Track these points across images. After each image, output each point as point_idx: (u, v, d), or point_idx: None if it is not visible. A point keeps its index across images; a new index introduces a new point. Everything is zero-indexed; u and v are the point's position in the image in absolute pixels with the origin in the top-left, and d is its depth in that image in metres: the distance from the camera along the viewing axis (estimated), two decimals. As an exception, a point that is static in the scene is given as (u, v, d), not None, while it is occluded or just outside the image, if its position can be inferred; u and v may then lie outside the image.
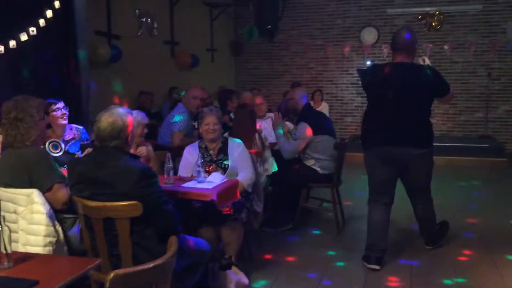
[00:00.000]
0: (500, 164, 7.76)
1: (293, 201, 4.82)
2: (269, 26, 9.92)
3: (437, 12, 9.18)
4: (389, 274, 3.68)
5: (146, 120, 3.67)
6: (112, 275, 1.59)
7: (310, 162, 4.71)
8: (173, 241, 1.95)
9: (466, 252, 4.10)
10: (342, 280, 3.58)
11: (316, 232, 4.68)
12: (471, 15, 9.11)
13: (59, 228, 2.57)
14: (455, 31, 9.20)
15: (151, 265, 1.72)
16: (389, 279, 3.59)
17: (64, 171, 2.77)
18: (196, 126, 5.64)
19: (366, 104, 4.07)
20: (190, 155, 3.72)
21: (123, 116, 2.47)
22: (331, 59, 10.02)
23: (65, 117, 3.87)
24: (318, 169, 4.67)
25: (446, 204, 5.44)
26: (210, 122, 3.67)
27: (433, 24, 9.24)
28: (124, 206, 2.32)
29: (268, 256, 4.01)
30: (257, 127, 4.57)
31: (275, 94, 10.00)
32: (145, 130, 3.66)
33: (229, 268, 3.17)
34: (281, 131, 4.79)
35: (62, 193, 2.58)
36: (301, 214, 4.73)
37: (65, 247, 2.60)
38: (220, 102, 6.64)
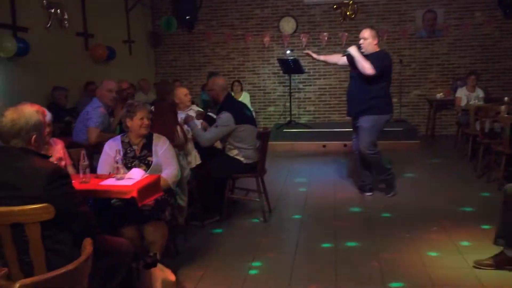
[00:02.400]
0: (414, 146, 8.20)
1: (218, 192, 4.79)
2: (187, 17, 9.76)
3: (351, 2, 9.48)
4: (315, 262, 3.76)
5: (48, 118, 3.42)
6: (18, 285, 1.46)
7: (233, 152, 4.69)
8: (87, 243, 1.84)
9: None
10: (271, 268, 3.60)
11: (243, 222, 4.68)
12: (382, 4, 9.50)
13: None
14: (368, 20, 9.55)
15: (62, 271, 1.60)
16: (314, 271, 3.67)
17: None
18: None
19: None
20: (111, 150, 3.55)
21: (27, 114, 2.29)
22: (251, 49, 10.05)
23: None
24: (242, 159, 4.66)
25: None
26: (144, 116, 3.53)
27: (348, 13, 9.54)
28: (34, 210, 2.15)
29: (195, 250, 3.95)
30: (177, 120, 4.45)
31: (196, 86, 9.88)
32: (49, 129, 3.41)
33: (154, 266, 3.07)
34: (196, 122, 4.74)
35: None
36: (227, 205, 4.71)
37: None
38: (159, 95, 6.34)
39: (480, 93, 7.82)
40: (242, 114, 4.73)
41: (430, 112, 9.49)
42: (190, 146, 4.46)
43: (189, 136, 4.52)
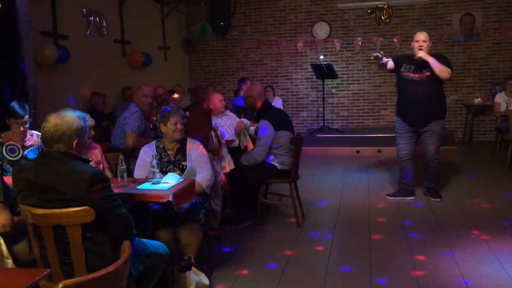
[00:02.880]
0: (451, 152, 8.00)
1: (252, 197, 4.81)
2: (221, 23, 9.87)
3: (386, 6, 9.38)
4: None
5: (91, 122, 3.55)
6: (60, 285, 1.51)
7: (269, 159, 4.70)
8: (126, 246, 1.88)
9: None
10: (304, 274, 3.59)
11: (277, 227, 4.68)
12: (418, 8, 9.36)
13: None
14: (403, 24, 9.43)
15: (103, 272, 1.65)
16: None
17: (8, 178, 2.64)
18: (151, 127, 5.54)
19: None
20: (147, 156, 3.63)
21: (70, 119, 2.37)
22: (284, 54, 10.07)
23: (26, 125, 3.71)
24: (277, 165, 4.67)
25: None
26: (177, 121, 3.60)
27: (382, 17, 9.44)
28: (75, 212, 2.23)
29: (229, 254, 3.98)
30: (211, 125, 4.51)
31: (230, 91, 9.96)
32: (92, 133, 3.53)
33: (189, 269, 3.11)
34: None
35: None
36: (261, 210, 4.72)
37: (9, 260, 2.47)
38: (194, 100, 6.43)
39: (520, 98, 7.58)
40: (280, 120, 4.73)
41: (468, 118, 9.27)
42: (224, 151, 4.51)
43: (223, 141, 4.57)
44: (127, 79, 7.61)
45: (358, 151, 8.38)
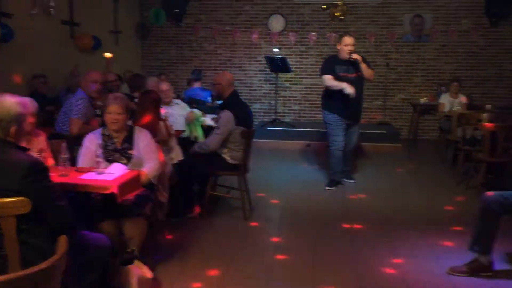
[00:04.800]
0: (396, 149, 8.27)
1: (200, 189, 4.78)
2: (176, 10, 9.70)
3: (341, 3, 9.51)
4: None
5: (33, 108, 3.36)
6: (-10, 283, 1.44)
7: (221, 150, 4.66)
8: (62, 241, 1.81)
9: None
10: (248, 265, 3.61)
11: (224, 219, 4.67)
12: (371, 6, 9.55)
13: None
14: (357, 22, 9.60)
15: (35, 269, 1.58)
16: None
17: None
18: (98, 113, 5.38)
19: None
20: (91, 144, 3.51)
21: (8, 105, 2.26)
22: (239, 45, 10.02)
23: None
24: (228, 158, 4.65)
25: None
26: (112, 111, 3.48)
27: (337, 14, 9.57)
28: (10, 203, 2.12)
29: (174, 246, 3.94)
30: (160, 114, 4.42)
31: (183, 80, 9.81)
32: (30, 119, 3.35)
33: (131, 262, 3.05)
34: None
35: None
36: (209, 202, 4.70)
37: None
38: (131, 89, 6.30)
39: (463, 99, 7.92)
40: (243, 116, 4.69)
41: (414, 116, 9.58)
42: (173, 141, 4.44)
43: (172, 131, 4.49)
44: (76, 63, 7.33)
45: (308, 145, 8.48)
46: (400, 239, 4.20)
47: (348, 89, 5.48)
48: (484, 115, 6.30)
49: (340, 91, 5.56)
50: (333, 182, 5.91)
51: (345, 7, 9.52)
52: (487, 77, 9.42)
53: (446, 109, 7.80)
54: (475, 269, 3.46)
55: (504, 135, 5.33)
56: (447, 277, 3.46)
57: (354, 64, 5.62)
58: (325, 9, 9.61)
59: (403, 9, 9.47)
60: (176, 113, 5.36)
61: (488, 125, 5.56)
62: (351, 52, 5.58)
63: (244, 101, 5.33)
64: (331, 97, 5.77)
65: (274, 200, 5.40)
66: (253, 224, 4.61)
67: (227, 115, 4.56)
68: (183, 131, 5.24)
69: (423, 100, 9.32)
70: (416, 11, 9.42)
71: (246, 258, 3.77)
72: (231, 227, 4.46)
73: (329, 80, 5.66)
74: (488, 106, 7.45)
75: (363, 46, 9.49)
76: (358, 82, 5.67)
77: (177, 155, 4.44)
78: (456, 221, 4.64)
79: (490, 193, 3.48)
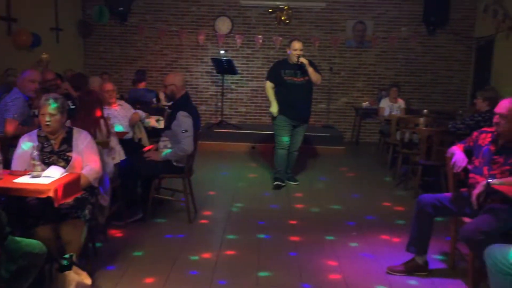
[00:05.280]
0: (339, 152, 8.48)
1: (144, 192, 4.70)
2: (120, 8, 9.49)
3: (286, 7, 9.64)
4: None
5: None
6: None
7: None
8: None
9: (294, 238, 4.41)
10: (194, 269, 3.58)
11: (168, 222, 4.62)
12: (316, 12, 9.74)
13: None
14: (302, 26, 9.76)
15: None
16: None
17: None
18: (36, 113, 5.16)
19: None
20: (27, 145, 3.37)
21: None
22: (185, 46, 9.94)
23: None
24: (174, 161, 4.59)
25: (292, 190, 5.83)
26: (45, 112, 3.35)
27: (282, 18, 9.69)
28: None
29: (115, 251, 3.84)
30: (102, 114, 4.29)
31: (127, 80, 9.62)
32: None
33: (69, 269, 2.95)
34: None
35: None
36: (152, 205, 4.63)
37: None
38: (73, 88, 6.08)
39: (401, 104, 8.23)
40: (195, 117, 4.64)
41: (356, 120, 9.86)
42: (114, 141, 4.33)
43: (113, 131, 4.38)
44: (12, 60, 7.01)
45: (253, 147, 8.54)
46: (341, 238, 4.31)
47: (273, 108, 5.89)
48: (421, 120, 6.59)
49: (287, 93, 5.84)
50: (277, 180, 6.08)
51: (290, 11, 9.67)
52: (424, 83, 9.85)
53: (386, 113, 8.08)
54: (412, 269, 3.61)
55: (439, 139, 5.58)
56: (385, 275, 3.58)
57: (302, 68, 5.80)
58: (271, 12, 9.71)
59: (346, 15, 9.73)
60: (120, 115, 5.24)
61: (426, 129, 5.82)
62: (299, 56, 5.77)
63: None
64: (278, 99, 5.94)
65: (219, 201, 5.40)
66: (198, 226, 4.58)
67: (186, 115, 4.49)
68: (127, 132, 5.13)
69: (365, 104, 9.61)
70: (358, 18, 9.70)
71: (190, 261, 3.74)
72: (175, 230, 4.40)
73: (268, 88, 6.01)
74: (425, 111, 7.80)
75: (308, 50, 9.65)
76: (305, 86, 5.92)
77: (119, 155, 4.33)
78: (394, 221, 4.82)
79: (424, 196, 3.64)
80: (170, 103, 5.11)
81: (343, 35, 9.77)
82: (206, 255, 3.87)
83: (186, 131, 4.45)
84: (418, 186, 5.75)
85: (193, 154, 4.69)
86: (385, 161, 7.48)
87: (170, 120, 4.65)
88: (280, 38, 9.71)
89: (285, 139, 6.00)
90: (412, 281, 3.51)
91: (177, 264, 3.68)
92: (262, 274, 3.56)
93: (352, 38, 9.77)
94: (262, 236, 4.35)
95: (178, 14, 9.85)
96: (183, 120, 4.47)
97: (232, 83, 9.95)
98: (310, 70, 5.79)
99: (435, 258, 3.88)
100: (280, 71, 5.89)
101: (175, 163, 4.57)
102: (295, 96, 5.85)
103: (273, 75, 5.99)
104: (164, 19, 9.85)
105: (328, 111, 9.83)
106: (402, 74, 9.83)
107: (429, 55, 9.75)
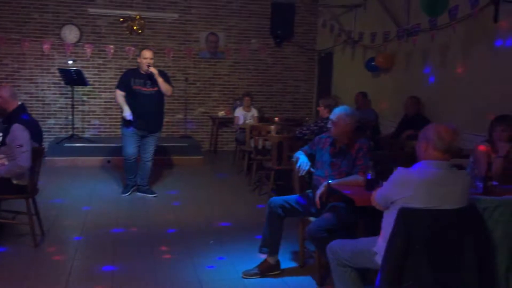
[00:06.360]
0: (198, 161, 8.55)
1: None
2: None
3: (138, 17, 9.48)
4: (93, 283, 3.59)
5: None
6: None
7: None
8: None
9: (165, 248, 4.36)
10: None
11: (9, 248, 4.19)
12: (169, 23, 9.73)
13: None
14: (155, 37, 9.67)
15: None
16: (90, 288, 3.51)
17: None
18: None
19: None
20: None
21: None
22: (28, 55, 9.19)
23: None
24: (14, 179, 4.19)
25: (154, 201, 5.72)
26: None
27: (135, 28, 9.50)
28: None
29: None
30: None
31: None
32: None
33: None
34: None
35: None
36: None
37: None
38: None
39: (255, 112, 8.60)
40: (35, 131, 4.27)
41: (213, 129, 10.04)
42: None
43: None
44: None
45: (109, 161, 8.20)
46: (199, 247, 4.34)
47: (126, 114, 5.81)
48: (272, 127, 6.96)
49: (135, 102, 5.83)
50: (127, 187, 6.17)
51: (142, 21, 9.52)
52: (274, 92, 10.41)
53: (241, 121, 8.37)
54: (265, 270, 3.77)
55: (289, 145, 5.94)
56: (241, 280, 3.69)
57: (152, 78, 5.79)
58: (122, 22, 9.45)
59: (199, 27, 9.88)
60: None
61: (276, 136, 6.15)
62: (149, 65, 5.76)
63: (33, 116, 4.90)
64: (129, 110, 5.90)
65: (70, 220, 5.07)
66: (47, 250, 4.25)
67: (21, 128, 4.11)
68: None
69: (221, 113, 9.84)
70: (211, 29, 9.91)
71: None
72: (18, 257, 4.02)
73: (119, 96, 5.96)
74: (276, 119, 8.26)
75: (162, 61, 9.62)
76: (155, 96, 5.91)
77: None
78: (251, 228, 4.98)
79: (275, 199, 3.84)
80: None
81: (197, 46, 9.90)
82: (55, 282, 3.61)
83: (21, 145, 4.10)
84: (272, 190, 6.05)
85: (37, 171, 4.35)
86: (242, 168, 7.73)
87: (4, 135, 4.25)
88: (133, 48, 9.48)
89: (131, 151, 6.00)
90: (265, 282, 3.67)
91: (21, 294, 3.37)
92: (117, 293, 3.43)
93: (205, 49, 9.94)
94: (114, 253, 4.19)
95: (19, 21, 9.08)
96: (18, 134, 4.11)
97: (83, 94, 9.46)
98: (159, 80, 5.80)
99: (286, 258, 4.10)
100: (130, 80, 5.84)
101: (15, 182, 4.19)
102: (143, 106, 5.83)
103: (122, 84, 5.94)
104: (2, 26, 9.00)
105: (185, 122, 9.86)
106: (254, 84, 10.26)
107: (278, 66, 10.34)
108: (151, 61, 5.83)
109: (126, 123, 5.92)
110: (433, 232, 2.52)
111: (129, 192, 6.16)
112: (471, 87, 5.75)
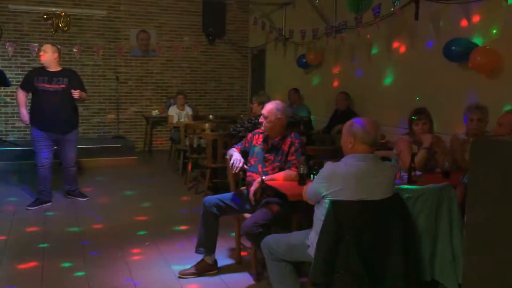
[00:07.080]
0: (132, 162, 8.36)
1: None
2: None
3: (63, 14, 9.09)
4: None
5: None
6: None
7: None
8: None
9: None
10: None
11: None
12: (96, 20, 9.41)
13: None
14: (82, 34, 9.32)
15: None
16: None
17: None
18: None
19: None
20: None
21: None
22: None
23: None
24: None
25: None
26: None
27: (60, 25, 9.12)
28: None
29: None
30: None
31: None
32: None
33: None
34: None
35: None
36: None
37: None
38: None
39: (189, 111, 8.53)
40: None
41: (147, 129, 9.85)
42: None
43: None
44: None
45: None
46: (131, 248, 4.25)
47: (22, 116, 5.51)
48: (207, 125, 6.93)
49: (38, 101, 5.44)
50: (36, 201, 5.59)
51: (68, 18, 9.15)
52: (209, 90, 10.37)
53: (175, 120, 8.27)
54: (202, 269, 3.76)
55: (224, 142, 5.94)
56: (177, 280, 3.66)
57: (62, 74, 5.52)
58: (46, 19, 9.04)
59: (129, 24, 9.63)
60: None
61: (211, 134, 6.13)
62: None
63: None
64: (32, 110, 5.54)
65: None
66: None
67: None
68: None
69: (154, 112, 9.66)
70: (141, 27, 9.70)
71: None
72: None
73: (20, 96, 5.53)
74: (211, 117, 8.23)
75: (92, 59, 9.32)
76: (61, 93, 5.45)
77: None
78: (188, 227, 4.94)
79: (209, 197, 3.83)
80: None
81: (127, 44, 9.65)
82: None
83: None
84: (208, 188, 6.03)
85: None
86: (178, 167, 7.63)
87: None
88: (59, 47, 9.06)
89: (44, 155, 5.52)
90: (202, 281, 3.66)
91: None
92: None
93: (136, 47, 9.71)
94: (41, 268, 4.02)
95: None
96: None
97: (6, 95, 8.96)
98: (77, 95, 5.49)
99: (223, 255, 4.11)
100: (33, 77, 5.45)
101: None
102: (48, 105, 5.39)
103: (25, 82, 5.54)
104: None
105: (118, 122, 9.60)
106: (187, 82, 10.16)
107: (211, 63, 10.30)
108: (46, 55, 5.48)
109: (34, 126, 5.46)
110: (362, 222, 2.62)
111: (35, 207, 5.48)
112: (395, 82, 6.03)
